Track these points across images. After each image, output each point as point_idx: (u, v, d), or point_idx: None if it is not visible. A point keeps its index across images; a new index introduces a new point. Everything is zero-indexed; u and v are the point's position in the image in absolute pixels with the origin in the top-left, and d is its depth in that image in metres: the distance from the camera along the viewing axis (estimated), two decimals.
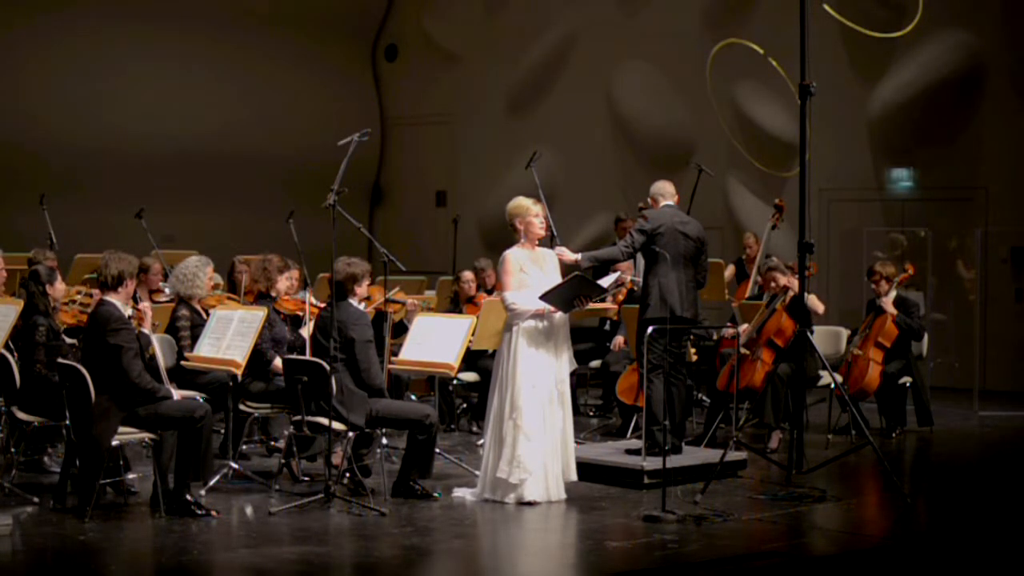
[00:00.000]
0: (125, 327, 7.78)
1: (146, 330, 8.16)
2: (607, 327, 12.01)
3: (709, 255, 9.71)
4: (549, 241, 9.03)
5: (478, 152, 18.55)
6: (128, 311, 7.95)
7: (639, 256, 9.59)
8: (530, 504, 8.17)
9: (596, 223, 16.66)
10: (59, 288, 8.89)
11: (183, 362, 9.01)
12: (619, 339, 11.65)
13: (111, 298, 7.89)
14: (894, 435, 11.20)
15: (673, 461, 8.61)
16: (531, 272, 8.42)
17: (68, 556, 7.01)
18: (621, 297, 10.92)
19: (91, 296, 9.26)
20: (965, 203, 14.98)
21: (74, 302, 9.50)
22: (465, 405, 11.94)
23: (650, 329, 8.78)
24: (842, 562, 7.24)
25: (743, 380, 10.49)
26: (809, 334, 8.97)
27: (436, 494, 8.43)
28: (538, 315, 8.33)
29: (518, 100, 18.19)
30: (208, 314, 9.21)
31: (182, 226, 15.71)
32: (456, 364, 8.86)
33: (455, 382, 11.04)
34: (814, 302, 10.53)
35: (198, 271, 9.56)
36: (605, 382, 11.85)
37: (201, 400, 8.13)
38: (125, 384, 7.70)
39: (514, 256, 8.44)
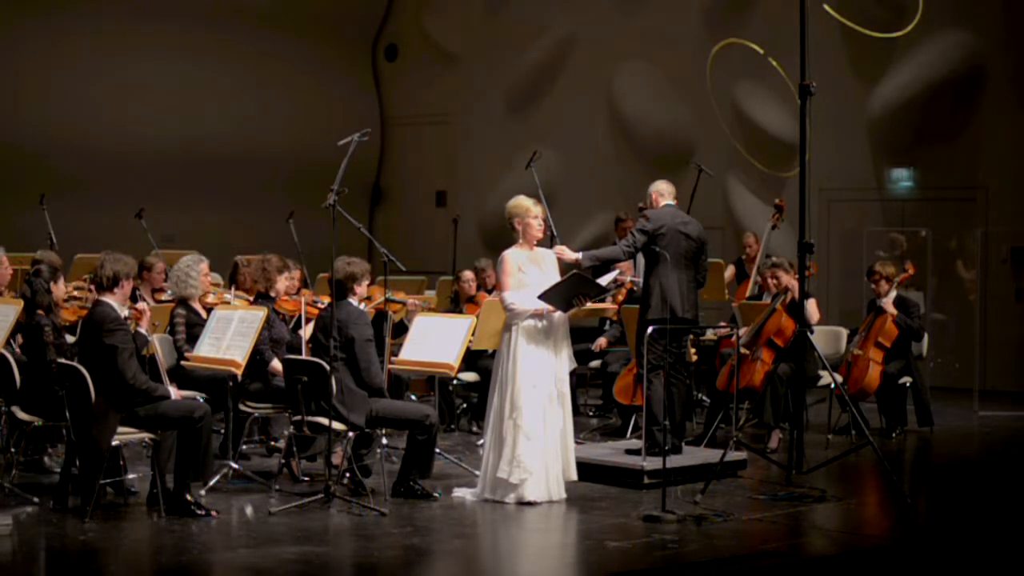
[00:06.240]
0: (120, 328, 7.77)
1: (143, 330, 8.15)
2: (607, 327, 12.01)
3: (709, 255, 9.71)
4: (549, 241, 9.03)
5: (478, 152, 18.54)
6: (124, 311, 7.94)
7: (639, 256, 9.59)
8: (530, 504, 8.17)
9: (596, 223, 16.65)
10: (61, 287, 8.89)
11: (182, 362, 9.01)
12: (601, 340, 11.69)
13: (107, 299, 7.88)
14: (894, 435, 11.20)
15: (673, 461, 8.61)
16: (530, 272, 8.42)
17: (68, 556, 7.01)
18: (621, 297, 10.92)
19: (89, 291, 9.24)
20: (965, 203, 14.98)
21: (74, 299, 9.50)
22: (465, 405, 11.93)
23: (650, 329, 8.78)
24: (842, 562, 7.24)
25: (743, 380, 10.48)
26: (809, 334, 8.97)
27: (436, 494, 8.43)
28: (537, 315, 8.33)
29: (518, 100, 18.17)
30: (208, 313, 9.21)
31: (182, 226, 15.70)
32: (456, 364, 8.85)
33: (455, 382, 11.03)
34: (811, 309, 10.41)
35: (190, 270, 9.57)
36: (605, 382, 11.85)
37: (201, 400, 8.13)
38: (121, 385, 7.69)
39: (512, 256, 8.44)
